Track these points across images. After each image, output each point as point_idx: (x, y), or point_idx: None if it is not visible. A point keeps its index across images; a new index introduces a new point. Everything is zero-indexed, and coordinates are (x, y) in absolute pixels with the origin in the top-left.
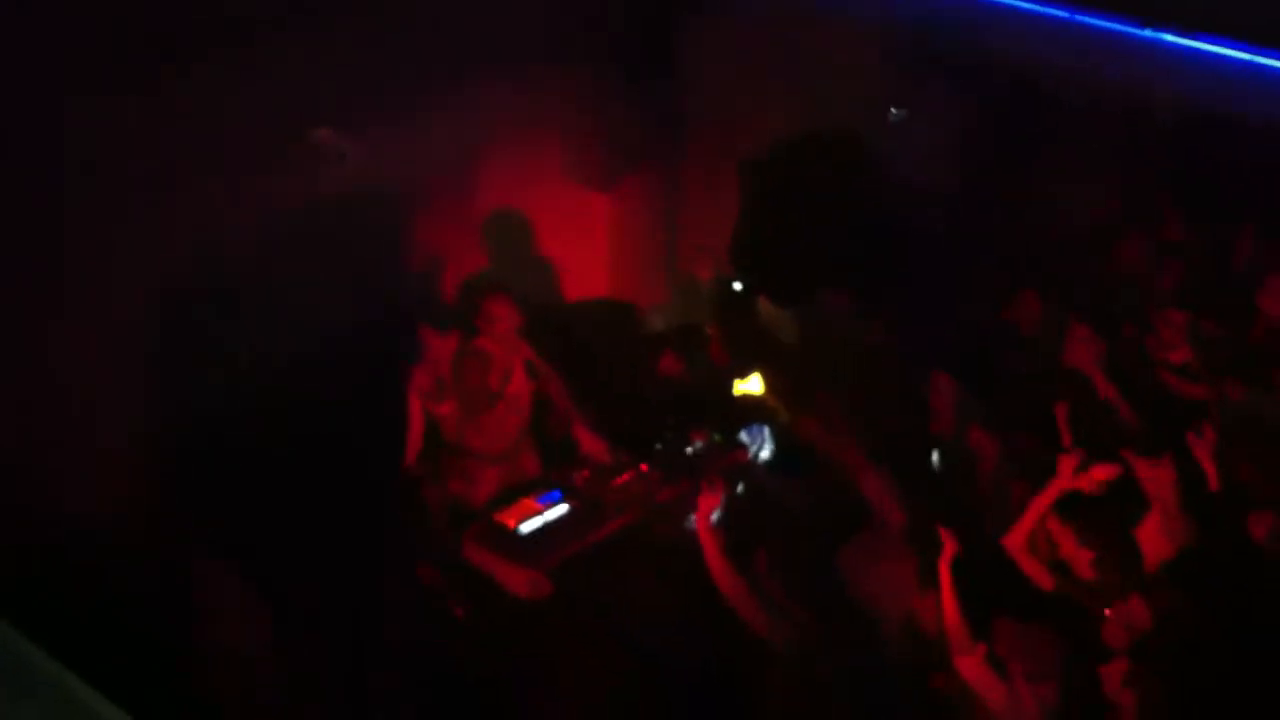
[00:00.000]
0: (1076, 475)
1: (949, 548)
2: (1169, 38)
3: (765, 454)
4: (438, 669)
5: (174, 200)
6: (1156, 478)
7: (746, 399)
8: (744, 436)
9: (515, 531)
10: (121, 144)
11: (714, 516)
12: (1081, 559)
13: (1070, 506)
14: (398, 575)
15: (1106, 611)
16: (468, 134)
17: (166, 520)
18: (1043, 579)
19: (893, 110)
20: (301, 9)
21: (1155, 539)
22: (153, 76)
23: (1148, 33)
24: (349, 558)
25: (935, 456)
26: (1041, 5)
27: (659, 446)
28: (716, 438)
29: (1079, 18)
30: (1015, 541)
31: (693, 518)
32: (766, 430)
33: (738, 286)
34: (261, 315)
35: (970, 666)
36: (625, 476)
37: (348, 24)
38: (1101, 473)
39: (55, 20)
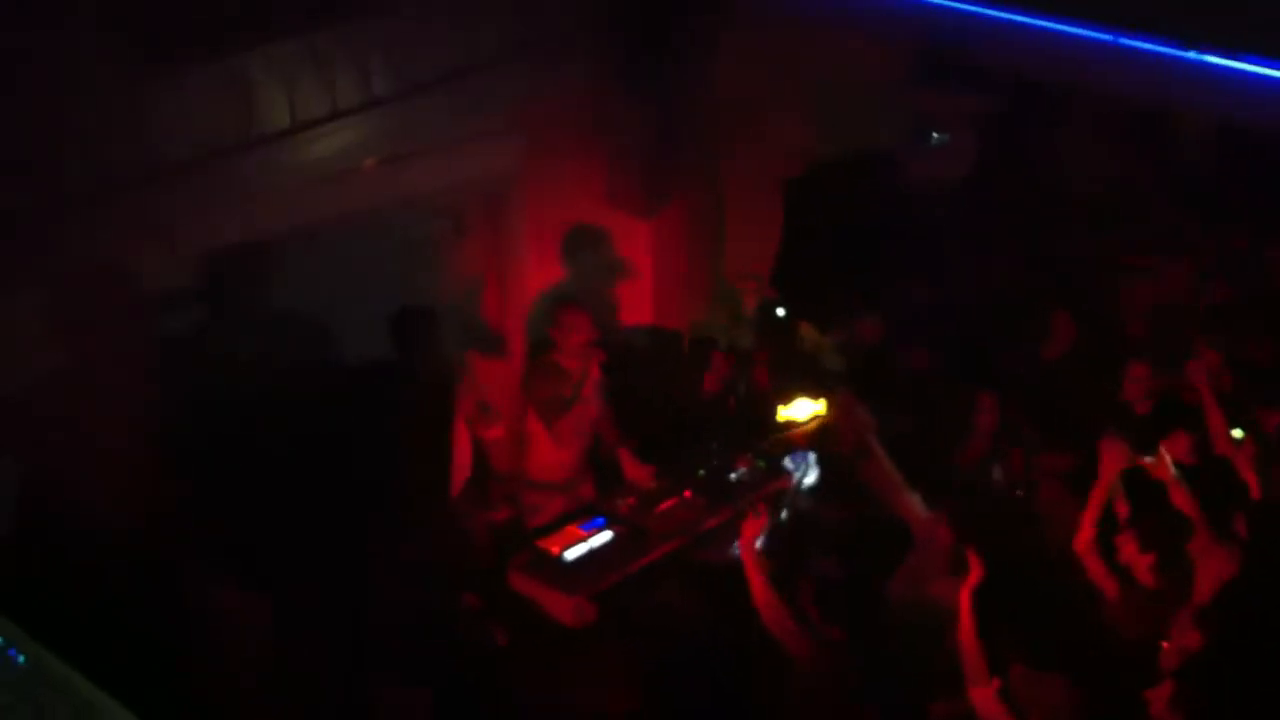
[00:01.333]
0: (1130, 460)
1: (975, 574)
2: (1213, 59)
3: (810, 480)
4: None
5: (198, 206)
6: (1189, 504)
7: (791, 425)
8: (788, 463)
9: (560, 559)
10: (130, 144)
11: (758, 542)
12: (1142, 564)
13: (1131, 513)
14: (412, 586)
15: (1164, 645)
16: (505, 159)
17: (176, 526)
18: (1108, 585)
19: (934, 135)
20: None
21: (1198, 563)
22: (175, 75)
23: (1192, 54)
24: (358, 566)
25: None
26: (1085, 29)
27: (702, 473)
28: (760, 464)
29: (1123, 40)
30: (1082, 541)
31: (736, 544)
32: (811, 457)
33: (781, 312)
34: (284, 325)
35: (983, 699)
36: (669, 503)
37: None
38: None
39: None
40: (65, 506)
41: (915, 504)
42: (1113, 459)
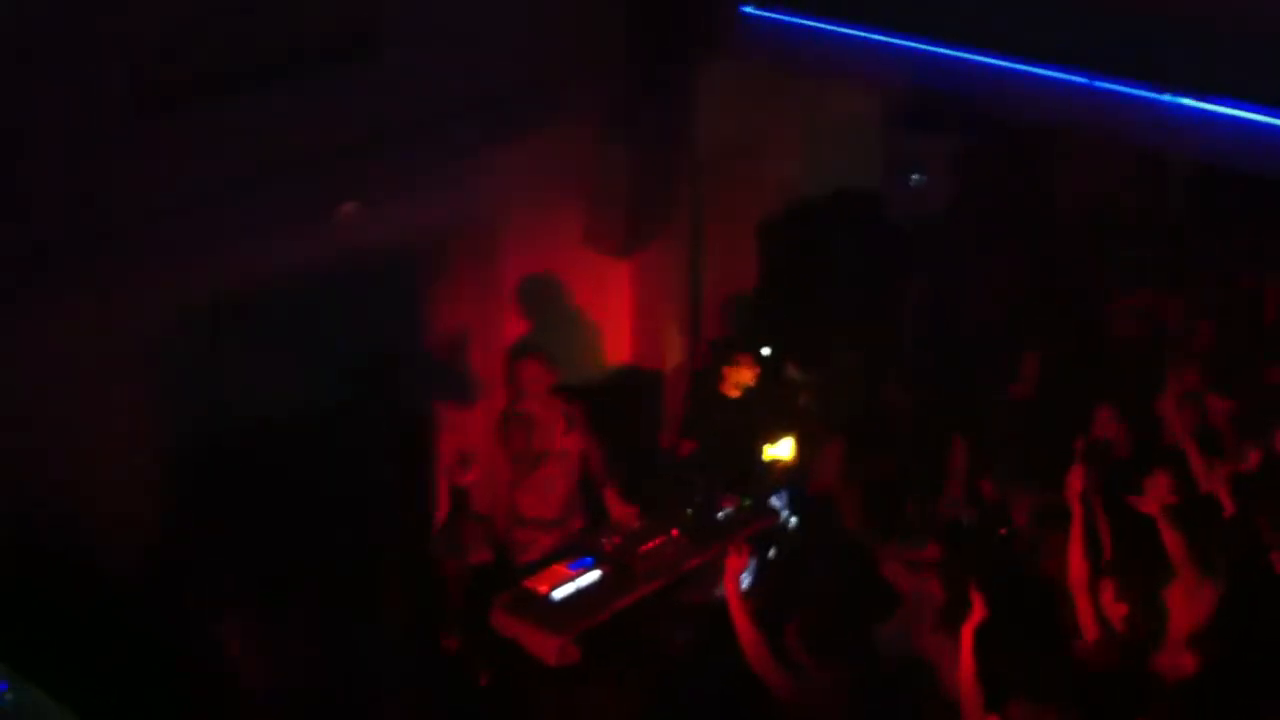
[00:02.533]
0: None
1: (976, 613)
2: (1188, 102)
3: (795, 520)
4: None
5: (188, 249)
6: (1176, 542)
7: (776, 464)
8: (774, 502)
9: (547, 598)
10: (122, 187)
11: (743, 580)
12: (1116, 613)
13: (1112, 557)
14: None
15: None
16: (485, 202)
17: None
18: (1089, 625)
19: (913, 176)
20: (310, 66)
21: (1182, 604)
22: (165, 119)
23: (1166, 97)
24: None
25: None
26: (1062, 72)
27: (689, 512)
28: (746, 503)
29: (1098, 83)
30: (1073, 577)
31: (721, 582)
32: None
33: (766, 351)
34: (269, 367)
35: None
36: (655, 542)
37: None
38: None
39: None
40: (68, 535)
41: (894, 566)
42: (1076, 490)
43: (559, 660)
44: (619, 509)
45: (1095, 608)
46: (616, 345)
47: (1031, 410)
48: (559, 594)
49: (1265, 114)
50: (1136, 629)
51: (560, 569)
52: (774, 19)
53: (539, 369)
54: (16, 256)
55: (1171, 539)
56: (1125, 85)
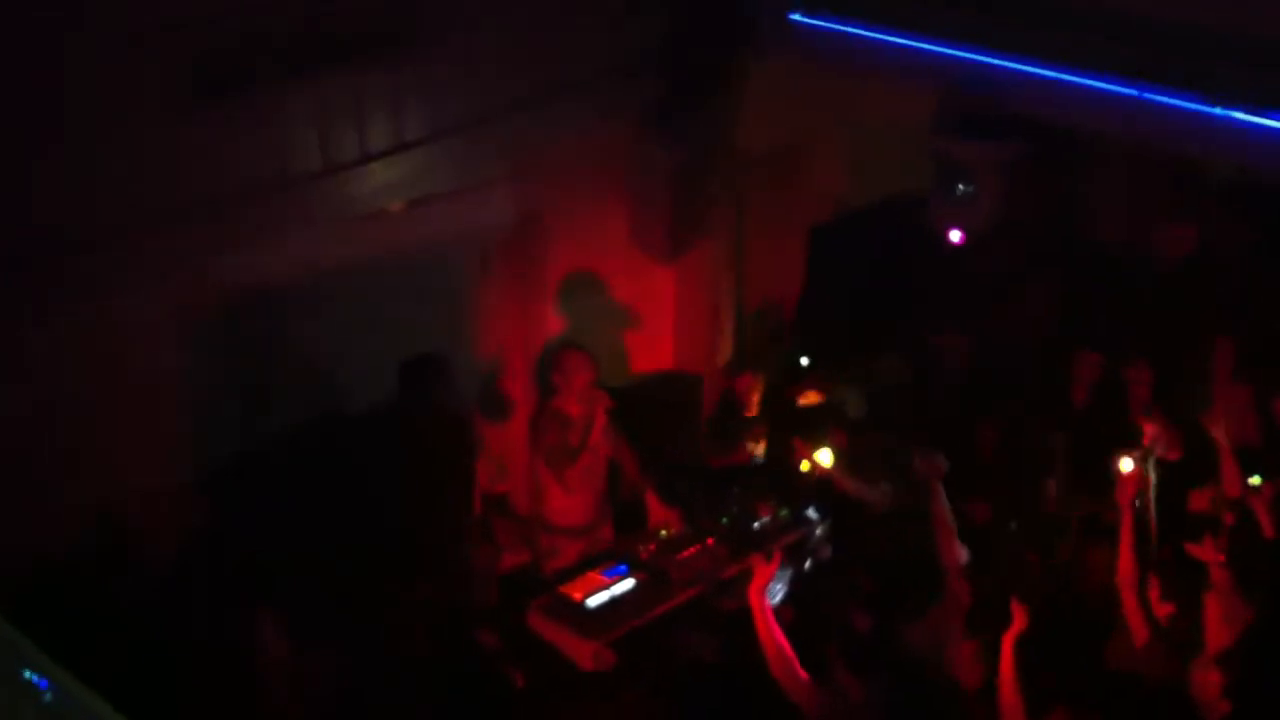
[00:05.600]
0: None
1: (1018, 623)
2: (1240, 115)
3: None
4: None
5: (230, 242)
6: (1224, 575)
7: (814, 473)
8: (811, 512)
9: (582, 605)
10: (164, 180)
11: (779, 592)
12: (1163, 611)
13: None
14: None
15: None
16: (530, 202)
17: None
18: (1137, 626)
19: (960, 186)
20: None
21: (1218, 621)
22: (210, 113)
23: (1218, 110)
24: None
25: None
26: (1112, 84)
27: (726, 521)
28: (783, 513)
29: (1148, 95)
30: (1121, 575)
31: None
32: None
33: (805, 361)
34: (309, 363)
35: None
36: (691, 550)
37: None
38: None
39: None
40: (92, 537)
41: (962, 554)
42: (1129, 495)
43: (593, 665)
44: (660, 512)
45: (1144, 607)
46: (658, 349)
47: (1081, 421)
48: (594, 600)
49: None
50: (1180, 630)
51: (595, 576)
52: (822, 25)
53: (583, 362)
54: (50, 248)
55: (1219, 575)
56: (1174, 97)
